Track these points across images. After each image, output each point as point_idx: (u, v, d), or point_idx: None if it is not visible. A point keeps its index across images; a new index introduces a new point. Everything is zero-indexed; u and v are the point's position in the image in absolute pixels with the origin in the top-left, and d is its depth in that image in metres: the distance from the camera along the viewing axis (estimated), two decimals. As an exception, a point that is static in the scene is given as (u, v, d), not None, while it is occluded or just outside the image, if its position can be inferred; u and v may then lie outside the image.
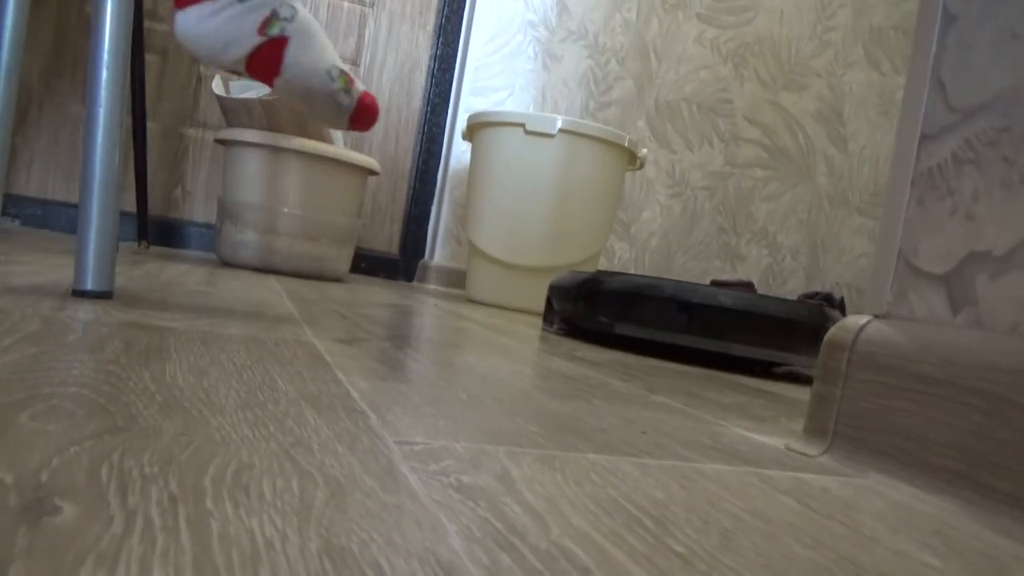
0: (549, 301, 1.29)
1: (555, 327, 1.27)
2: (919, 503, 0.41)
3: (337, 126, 0.87)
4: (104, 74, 0.70)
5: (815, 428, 0.52)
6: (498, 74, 2.21)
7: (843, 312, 2.05)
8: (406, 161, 2.26)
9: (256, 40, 0.78)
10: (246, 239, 1.61)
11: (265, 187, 1.60)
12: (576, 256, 1.70)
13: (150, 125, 1.95)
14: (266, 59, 0.79)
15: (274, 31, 0.78)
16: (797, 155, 2.63)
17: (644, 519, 0.31)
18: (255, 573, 0.20)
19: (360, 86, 0.85)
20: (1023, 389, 0.38)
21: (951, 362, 0.43)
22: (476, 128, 1.77)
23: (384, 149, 2.23)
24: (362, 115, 0.85)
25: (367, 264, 2.22)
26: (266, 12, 0.78)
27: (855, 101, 2.69)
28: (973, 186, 0.45)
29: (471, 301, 1.77)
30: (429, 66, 2.24)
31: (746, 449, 0.49)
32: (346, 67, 0.85)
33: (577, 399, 0.58)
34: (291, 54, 0.79)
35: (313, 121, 1.64)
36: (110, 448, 0.28)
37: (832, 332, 0.52)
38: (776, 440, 0.54)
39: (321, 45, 0.82)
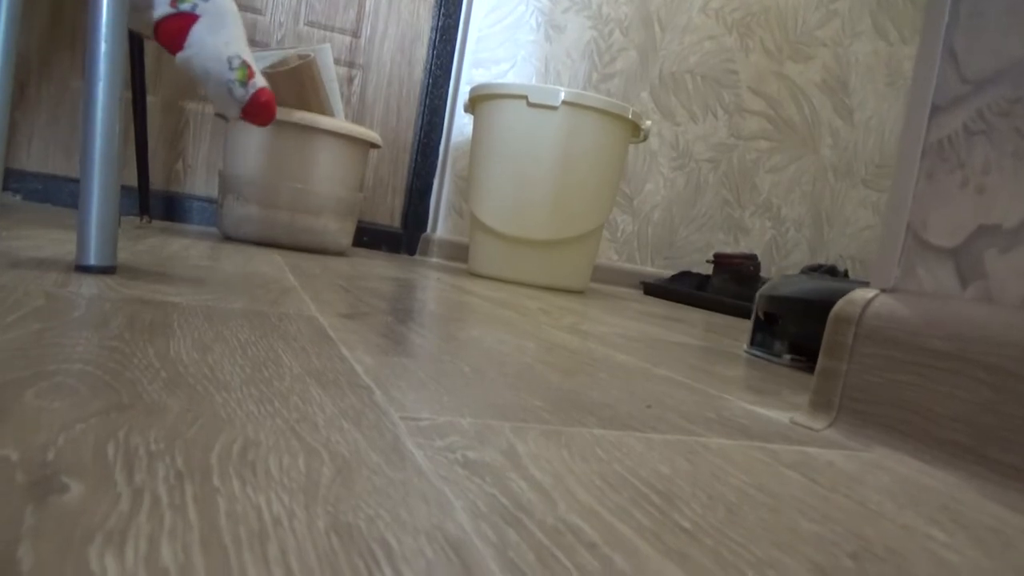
0: (769, 317, 0.94)
1: (783, 356, 0.92)
2: (925, 477, 0.41)
3: (229, 115, 0.89)
4: (102, 47, 0.69)
5: (820, 402, 0.51)
6: (500, 45, 2.18)
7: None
8: (408, 134, 2.24)
9: (166, 10, 0.80)
10: (248, 213, 1.61)
11: (266, 161, 1.59)
12: (578, 229, 1.69)
13: (150, 99, 1.94)
14: (172, 31, 0.82)
15: (185, 6, 0.80)
16: (802, 126, 2.60)
17: (650, 494, 0.31)
18: (263, 550, 0.20)
19: (260, 82, 0.87)
20: (1031, 363, 0.38)
21: (959, 336, 0.42)
22: (478, 100, 1.75)
23: (385, 122, 2.21)
24: (255, 110, 0.88)
25: (369, 238, 2.21)
26: None
27: (862, 71, 2.66)
28: (984, 158, 0.45)
29: (473, 274, 1.77)
30: (430, 37, 2.21)
31: (751, 423, 0.49)
32: (252, 61, 0.86)
33: (580, 374, 0.58)
34: (196, 32, 0.82)
35: (314, 95, 1.62)
36: (116, 425, 0.28)
37: (839, 306, 0.51)
38: (781, 414, 0.54)
39: (231, 32, 0.83)
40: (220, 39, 0.82)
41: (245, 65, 0.84)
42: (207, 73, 0.83)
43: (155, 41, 0.84)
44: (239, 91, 0.85)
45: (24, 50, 1.83)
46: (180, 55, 0.82)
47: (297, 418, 0.33)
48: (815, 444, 0.46)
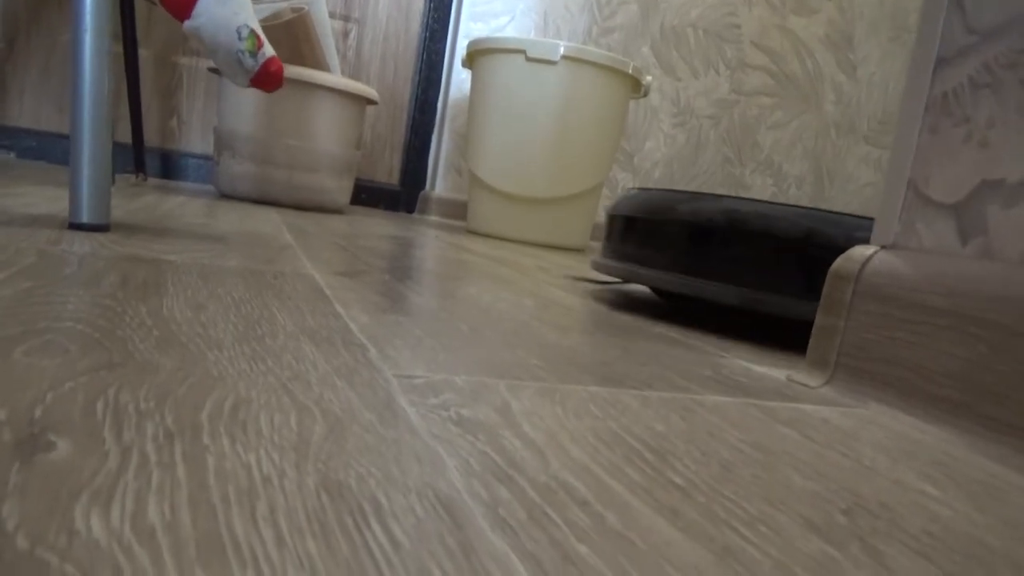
0: (626, 231, 0.81)
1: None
2: (919, 433, 0.41)
3: (238, 83, 0.89)
4: (88, -2, 0.68)
5: (817, 359, 0.51)
6: (498, -2, 2.14)
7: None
8: (405, 90, 2.21)
9: None
10: (244, 171, 1.59)
11: (261, 117, 1.57)
12: (578, 187, 1.67)
13: (142, 53, 1.90)
14: (179, 1, 0.81)
15: None
16: (805, 82, 2.57)
17: (644, 451, 0.31)
18: (252, 508, 0.20)
19: (269, 51, 0.86)
20: (1030, 320, 0.38)
21: (957, 293, 0.42)
22: (476, 55, 1.72)
23: (382, 77, 2.18)
24: (263, 80, 0.88)
25: (367, 195, 2.20)
26: None
27: (866, 25, 2.61)
28: (989, 112, 0.44)
29: (472, 232, 1.76)
30: (427, -10, 2.17)
31: (747, 381, 0.49)
32: (259, 30, 0.85)
33: (578, 332, 0.58)
34: (204, 2, 0.81)
35: (310, 50, 1.60)
36: (106, 383, 0.28)
37: (837, 263, 0.51)
38: (778, 371, 0.54)
39: (238, 2, 0.83)
40: (229, 8, 0.81)
41: (254, 35, 0.84)
42: (216, 43, 0.82)
43: (162, 7, 0.84)
44: (249, 61, 0.84)
45: (11, 3, 1.79)
46: (188, 24, 0.81)
47: (290, 376, 0.33)
48: (811, 401, 0.46)
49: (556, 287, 0.87)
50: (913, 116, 0.49)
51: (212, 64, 1.61)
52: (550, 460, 0.28)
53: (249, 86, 0.89)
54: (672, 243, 0.74)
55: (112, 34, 0.70)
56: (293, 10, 1.63)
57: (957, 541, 0.26)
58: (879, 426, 0.42)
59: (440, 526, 0.21)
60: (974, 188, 0.44)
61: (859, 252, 0.50)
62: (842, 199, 2.71)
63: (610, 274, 0.81)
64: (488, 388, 0.37)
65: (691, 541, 0.23)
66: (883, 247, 0.50)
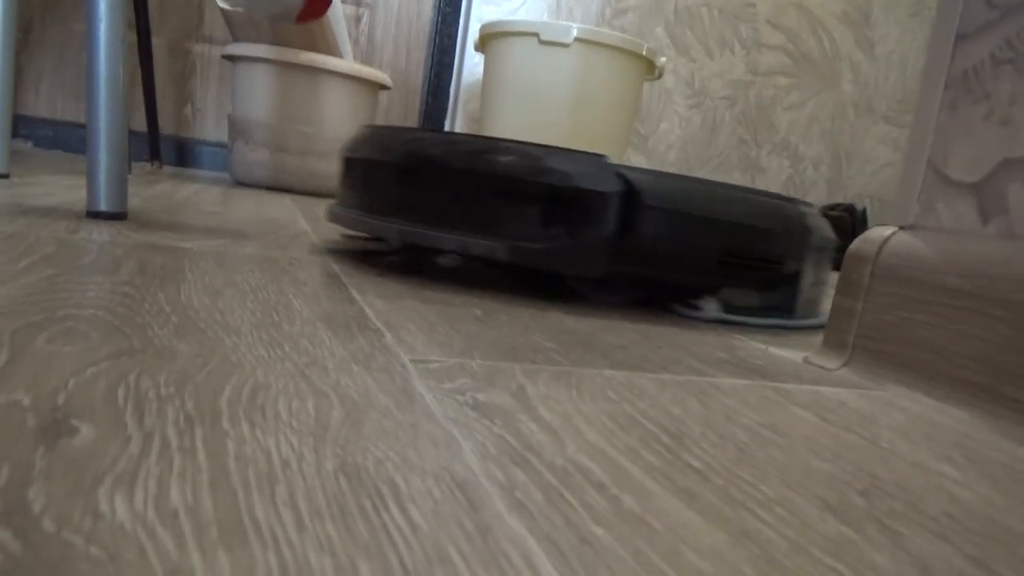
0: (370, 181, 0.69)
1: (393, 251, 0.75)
2: (939, 415, 0.41)
3: (286, 22, 0.82)
4: (102, -13, 0.68)
5: (834, 341, 0.51)
6: (511, -20, 2.12)
7: (865, 225, 1.97)
8: (417, 75, 2.20)
9: None
10: (258, 158, 1.60)
11: (275, 104, 1.57)
12: (592, 170, 1.67)
13: (155, 41, 1.91)
14: None
15: None
16: (822, 61, 2.53)
17: (660, 434, 0.31)
18: (272, 492, 0.20)
19: None
20: (1052, 300, 0.37)
21: (978, 274, 0.41)
22: (489, 39, 1.71)
23: (395, 63, 2.17)
24: (314, 5, 0.81)
25: (381, 182, 2.20)
26: None
27: (884, 1, 2.57)
28: (1011, 88, 0.43)
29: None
30: (439, -27, 2.15)
31: (763, 363, 0.49)
32: None
33: (593, 315, 0.58)
34: None
35: (322, 35, 1.59)
36: (126, 369, 0.28)
37: (855, 245, 0.51)
38: (794, 353, 0.54)
39: None
40: None
41: None
42: None
43: None
44: None
45: (27, -7, 1.80)
46: None
47: (307, 362, 0.33)
48: (828, 383, 0.45)
49: (571, 271, 0.87)
50: (933, 94, 0.48)
51: (225, 52, 1.61)
52: (566, 443, 0.28)
53: (299, 21, 0.83)
54: (353, 182, 0.71)
55: (126, 23, 0.71)
56: (305, -4, 1.62)
57: (977, 523, 0.26)
58: (898, 408, 0.41)
59: (457, 509, 0.21)
60: (995, 166, 0.43)
61: (877, 233, 0.50)
62: (860, 180, 2.68)
63: (334, 222, 0.74)
64: (504, 372, 0.37)
65: (708, 523, 0.23)
66: (902, 227, 0.49)
